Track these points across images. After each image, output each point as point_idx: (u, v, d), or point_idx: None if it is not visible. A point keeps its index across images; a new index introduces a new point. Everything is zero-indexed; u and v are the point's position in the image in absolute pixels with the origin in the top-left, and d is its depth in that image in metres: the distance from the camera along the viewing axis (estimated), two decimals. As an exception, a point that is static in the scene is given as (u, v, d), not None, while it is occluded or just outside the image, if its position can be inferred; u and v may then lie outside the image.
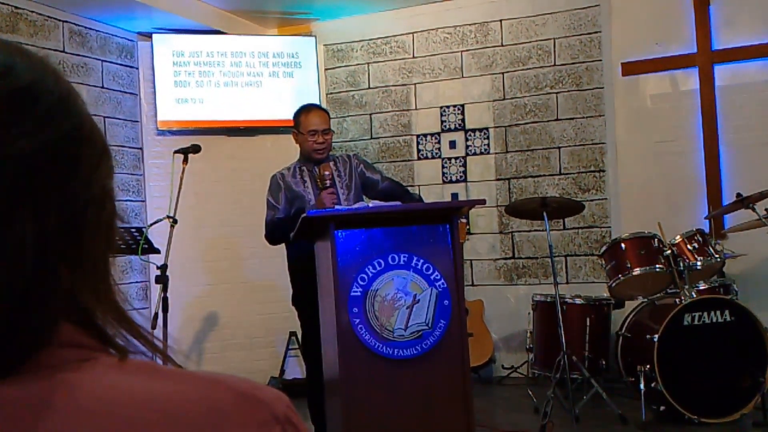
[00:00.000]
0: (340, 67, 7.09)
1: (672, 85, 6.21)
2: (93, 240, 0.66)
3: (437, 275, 3.58)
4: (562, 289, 5.42)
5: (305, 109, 4.51)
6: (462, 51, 6.76)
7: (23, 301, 0.60)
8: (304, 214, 3.64)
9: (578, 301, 5.49)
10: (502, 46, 6.64)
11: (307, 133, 4.37)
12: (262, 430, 0.63)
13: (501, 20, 6.63)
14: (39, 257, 0.60)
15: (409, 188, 5.35)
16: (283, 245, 4.44)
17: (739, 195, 4.91)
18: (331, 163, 4.41)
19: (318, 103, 5.82)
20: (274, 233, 4.35)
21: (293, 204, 4.35)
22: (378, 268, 3.56)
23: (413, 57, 6.89)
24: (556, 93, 6.48)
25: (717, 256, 5.03)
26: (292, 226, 3.86)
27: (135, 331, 0.68)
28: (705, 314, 4.76)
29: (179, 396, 0.63)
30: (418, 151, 6.87)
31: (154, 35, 6.39)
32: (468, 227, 6.60)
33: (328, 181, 4.20)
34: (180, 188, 4.51)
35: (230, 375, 0.67)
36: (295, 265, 4.40)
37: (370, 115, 7.00)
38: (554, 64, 6.48)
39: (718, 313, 4.77)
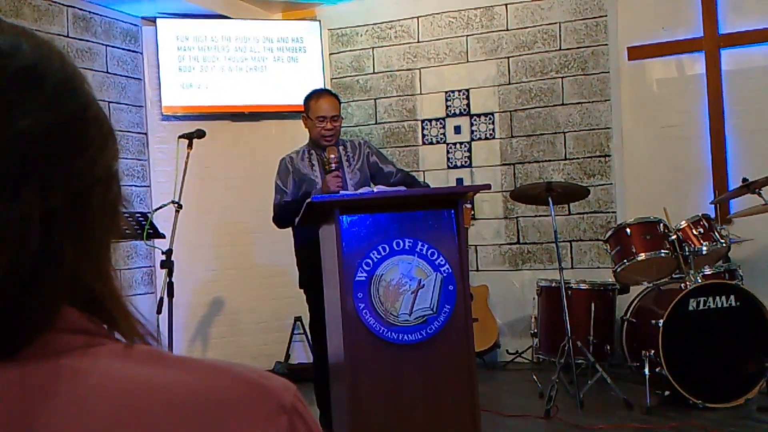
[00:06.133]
0: (344, 51, 7.06)
1: (678, 69, 6.18)
2: (99, 221, 0.65)
3: (442, 260, 3.58)
4: (567, 274, 5.42)
5: (315, 94, 4.50)
6: (467, 35, 6.73)
7: (28, 279, 0.60)
8: (309, 200, 3.64)
9: (583, 286, 5.49)
10: (507, 30, 6.61)
11: (315, 119, 4.37)
12: (268, 419, 0.63)
13: (506, 4, 6.60)
14: (44, 235, 0.60)
15: (414, 174, 5.35)
16: (290, 228, 4.45)
17: (745, 180, 4.90)
18: (341, 147, 4.43)
19: (323, 87, 5.80)
20: (281, 216, 4.36)
21: (301, 187, 4.36)
22: (383, 254, 3.56)
23: (418, 41, 6.86)
24: (562, 78, 6.45)
25: (722, 241, 5.02)
26: (299, 209, 3.86)
27: (129, 321, 0.67)
28: (710, 299, 4.76)
29: (185, 385, 0.62)
30: (423, 136, 6.85)
31: (158, 20, 6.38)
32: (473, 212, 6.60)
33: (333, 165, 4.21)
34: (185, 173, 4.52)
35: (237, 363, 0.66)
36: (303, 248, 4.39)
37: (375, 100, 6.99)
38: (560, 49, 6.45)
39: (724, 298, 4.77)
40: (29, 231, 0.59)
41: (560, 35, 6.46)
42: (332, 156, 4.23)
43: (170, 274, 4.42)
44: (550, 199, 5.02)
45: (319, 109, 4.38)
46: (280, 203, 4.39)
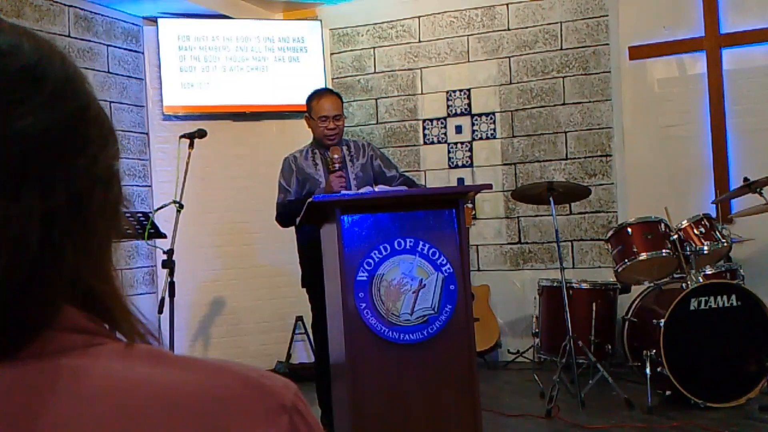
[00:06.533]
0: (345, 51, 7.06)
1: (679, 69, 6.17)
2: (99, 220, 0.65)
3: (443, 260, 3.58)
4: (568, 274, 5.42)
5: (317, 94, 4.49)
6: (468, 35, 6.72)
7: (28, 278, 0.59)
8: (310, 199, 3.64)
9: (584, 286, 5.49)
10: (509, 30, 6.61)
11: (318, 119, 4.37)
12: (269, 418, 0.63)
13: (507, 4, 6.60)
14: (44, 235, 0.60)
15: (415, 174, 5.35)
16: (292, 228, 4.45)
17: (746, 179, 4.90)
18: (344, 147, 4.43)
19: (325, 87, 5.80)
20: (284, 215, 4.36)
21: (305, 186, 4.36)
22: (384, 253, 3.56)
23: (419, 41, 6.86)
24: (563, 77, 6.45)
25: (724, 240, 5.02)
26: (302, 208, 3.86)
27: (129, 321, 0.67)
28: (711, 299, 4.76)
29: (185, 384, 0.62)
30: (424, 135, 6.85)
31: (159, 20, 6.38)
32: (474, 212, 6.59)
33: (337, 165, 4.21)
34: (186, 173, 4.51)
35: (237, 362, 0.66)
36: (306, 248, 4.38)
37: (376, 99, 6.99)
38: (561, 48, 6.45)
39: (725, 297, 4.77)
40: (29, 230, 0.59)
41: (561, 35, 6.45)
42: (336, 156, 4.24)
43: (171, 273, 4.42)
44: (551, 199, 5.02)
45: (321, 109, 4.38)
46: (283, 202, 4.39)
